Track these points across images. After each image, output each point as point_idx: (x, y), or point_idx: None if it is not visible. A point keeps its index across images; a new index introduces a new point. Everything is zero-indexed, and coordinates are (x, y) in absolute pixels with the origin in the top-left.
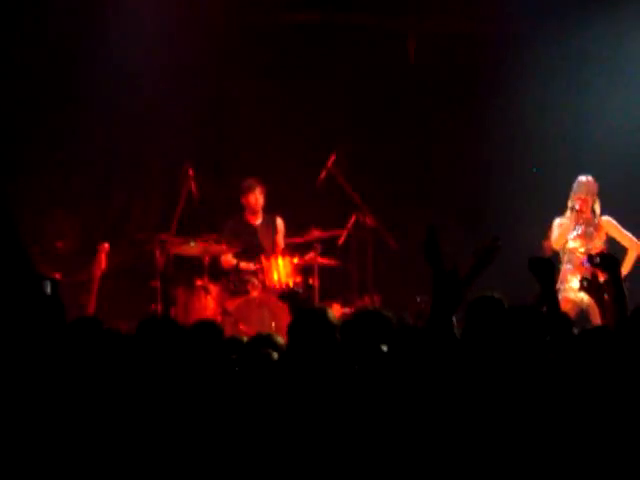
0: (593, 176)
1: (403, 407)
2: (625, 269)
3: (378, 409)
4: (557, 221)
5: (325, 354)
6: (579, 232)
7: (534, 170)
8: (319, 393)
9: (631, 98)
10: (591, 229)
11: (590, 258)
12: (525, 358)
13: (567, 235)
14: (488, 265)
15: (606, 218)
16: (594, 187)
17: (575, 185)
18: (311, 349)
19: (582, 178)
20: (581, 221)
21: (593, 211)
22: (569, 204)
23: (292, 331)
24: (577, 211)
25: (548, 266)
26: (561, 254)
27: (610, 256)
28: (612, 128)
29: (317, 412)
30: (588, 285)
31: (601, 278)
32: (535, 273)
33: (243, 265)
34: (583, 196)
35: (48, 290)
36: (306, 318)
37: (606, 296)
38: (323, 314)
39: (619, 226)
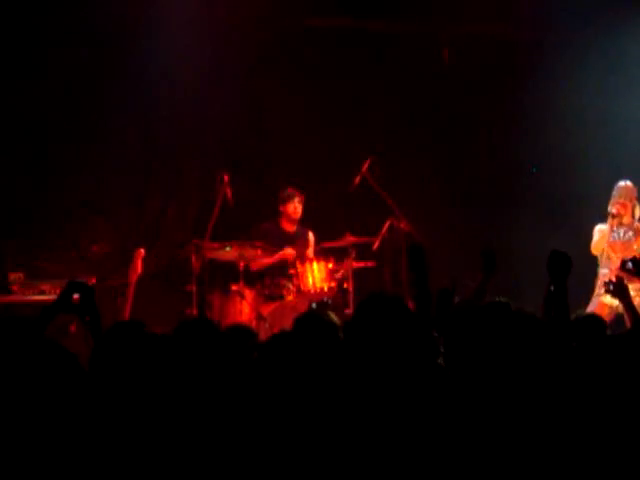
0: (632, 180)
1: (407, 407)
2: None
3: (380, 406)
4: (597, 227)
5: (328, 353)
6: (617, 237)
7: (533, 170)
8: (322, 391)
9: None
10: (630, 234)
11: (623, 263)
12: (541, 363)
13: (605, 241)
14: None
15: None
16: (633, 192)
17: (614, 190)
18: (314, 349)
19: (621, 183)
20: (620, 226)
21: (633, 216)
22: (609, 209)
23: (294, 333)
24: (613, 216)
25: (564, 261)
26: (599, 259)
27: None
28: None
29: (321, 410)
30: (614, 287)
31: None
32: (549, 267)
33: (278, 255)
34: (622, 200)
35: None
36: (307, 320)
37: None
38: (322, 315)
39: None
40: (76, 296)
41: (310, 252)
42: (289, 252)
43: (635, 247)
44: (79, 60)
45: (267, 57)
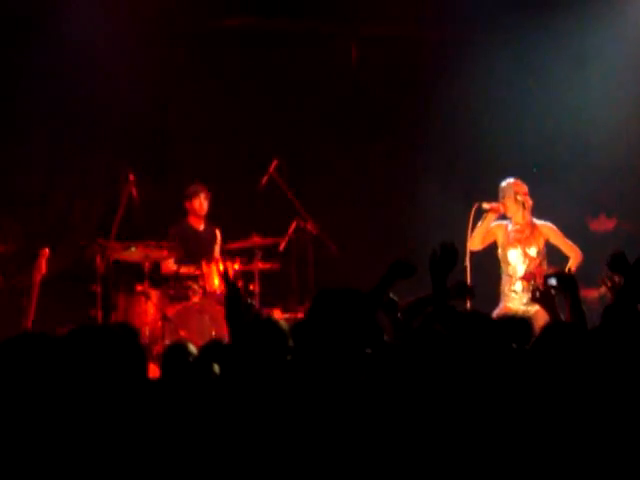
0: (520, 177)
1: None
2: None
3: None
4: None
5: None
6: (514, 238)
7: (534, 170)
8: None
9: (558, 100)
10: (527, 233)
11: (547, 279)
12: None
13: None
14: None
15: (546, 224)
16: (511, 188)
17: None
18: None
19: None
20: (514, 225)
21: (524, 209)
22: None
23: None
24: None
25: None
26: (501, 261)
27: (568, 276)
28: (553, 129)
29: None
30: (540, 296)
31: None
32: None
33: (184, 270)
34: (501, 201)
35: None
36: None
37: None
38: (274, 323)
39: (560, 233)
40: None
41: (216, 250)
42: (184, 270)
43: (533, 250)
44: None
45: (172, 56)
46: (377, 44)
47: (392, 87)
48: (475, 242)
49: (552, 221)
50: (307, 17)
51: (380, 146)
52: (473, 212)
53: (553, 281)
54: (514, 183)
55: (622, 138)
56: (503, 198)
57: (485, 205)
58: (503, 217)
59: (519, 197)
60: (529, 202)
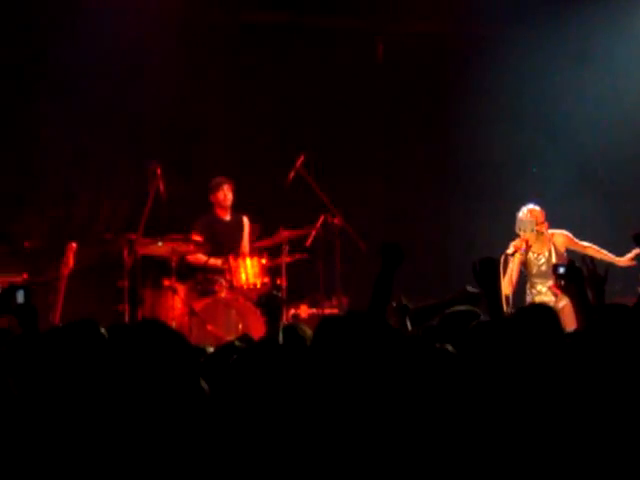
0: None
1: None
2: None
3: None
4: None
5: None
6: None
7: (533, 170)
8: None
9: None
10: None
11: (555, 268)
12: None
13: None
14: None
15: (561, 232)
16: (528, 223)
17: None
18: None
19: (519, 213)
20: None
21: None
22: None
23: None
24: (512, 255)
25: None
26: (526, 273)
27: (575, 268)
28: (584, 129)
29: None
30: (565, 285)
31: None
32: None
33: (212, 261)
34: (520, 233)
35: (21, 299)
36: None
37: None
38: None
39: (574, 239)
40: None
41: (245, 239)
42: (212, 261)
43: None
44: (6, 53)
45: (199, 50)
46: (404, 40)
47: (419, 83)
48: (507, 287)
49: None
50: (336, 13)
51: (406, 141)
52: (502, 261)
53: (562, 269)
54: (531, 214)
55: None
56: (524, 231)
57: (510, 250)
58: None
59: (538, 228)
60: (547, 228)
